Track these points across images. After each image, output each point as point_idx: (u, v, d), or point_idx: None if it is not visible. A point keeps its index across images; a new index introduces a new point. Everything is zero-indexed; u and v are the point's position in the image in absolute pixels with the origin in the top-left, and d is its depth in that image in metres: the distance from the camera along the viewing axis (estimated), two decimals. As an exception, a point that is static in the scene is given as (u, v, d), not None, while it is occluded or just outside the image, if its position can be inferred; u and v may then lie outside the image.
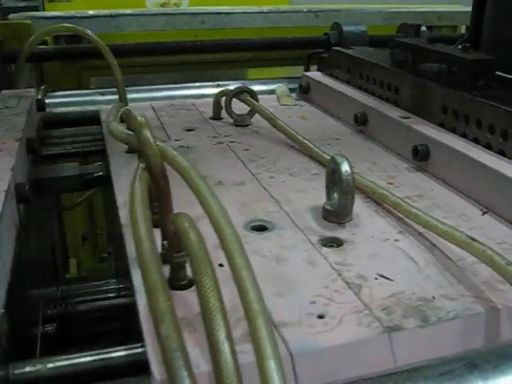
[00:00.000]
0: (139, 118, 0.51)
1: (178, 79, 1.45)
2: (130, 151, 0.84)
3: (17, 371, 0.47)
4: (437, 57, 0.81)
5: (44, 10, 2.42)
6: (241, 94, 0.98)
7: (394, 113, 0.88)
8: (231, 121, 1.00)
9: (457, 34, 1.79)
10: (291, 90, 1.21)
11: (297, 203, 0.67)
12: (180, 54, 1.46)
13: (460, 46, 0.86)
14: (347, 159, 0.61)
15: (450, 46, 0.89)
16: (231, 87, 1.04)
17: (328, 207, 0.63)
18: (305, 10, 1.73)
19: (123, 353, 0.50)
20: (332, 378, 0.42)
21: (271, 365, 0.34)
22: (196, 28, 1.62)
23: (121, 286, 1.19)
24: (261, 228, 0.61)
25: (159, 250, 0.49)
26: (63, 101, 1.22)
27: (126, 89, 1.09)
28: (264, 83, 1.34)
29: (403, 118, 0.86)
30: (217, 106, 1.03)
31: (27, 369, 0.48)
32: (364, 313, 0.47)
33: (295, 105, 1.13)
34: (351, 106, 0.97)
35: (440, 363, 0.40)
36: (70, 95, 1.26)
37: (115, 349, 0.51)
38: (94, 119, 1.13)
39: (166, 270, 0.49)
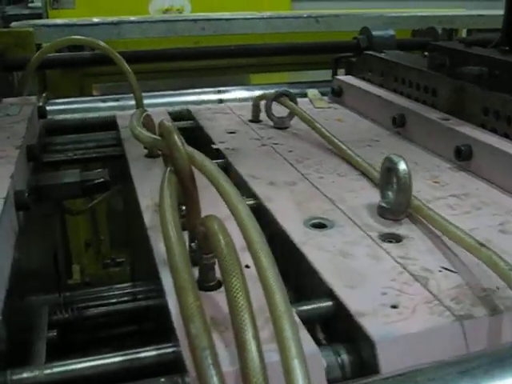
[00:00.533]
0: (167, 124, 0.54)
1: (179, 85, 1.46)
2: (149, 156, 0.86)
3: (14, 377, 0.47)
4: (476, 60, 0.84)
5: (48, 17, 2.45)
6: (281, 97, 1.01)
7: (433, 114, 0.91)
8: (270, 123, 1.03)
9: (482, 37, 1.79)
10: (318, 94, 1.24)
11: (350, 202, 0.70)
12: (197, 59, 1.48)
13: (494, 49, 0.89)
14: (403, 158, 0.64)
15: (485, 48, 0.91)
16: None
17: (384, 205, 0.66)
18: (305, 16, 1.73)
19: (121, 358, 0.50)
20: (410, 363, 0.45)
21: (295, 364, 0.35)
22: (197, 34, 1.64)
23: (135, 289, 1.20)
24: (320, 225, 0.64)
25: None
26: (65, 108, 1.24)
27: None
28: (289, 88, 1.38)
29: (443, 119, 0.88)
30: (256, 110, 1.06)
31: (24, 375, 0.47)
32: (434, 303, 0.49)
33: (329, 107, 1.16)
34: (388, 109, 1.00)
35: (432, 368, 0.41)
36: (71, 102, 1.27)
37: (113, 354, 0.51)
38: (95, 125, 1.15)
39: (195, 271, 0.50)
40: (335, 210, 0.68)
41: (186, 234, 0.52)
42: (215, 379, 0.35)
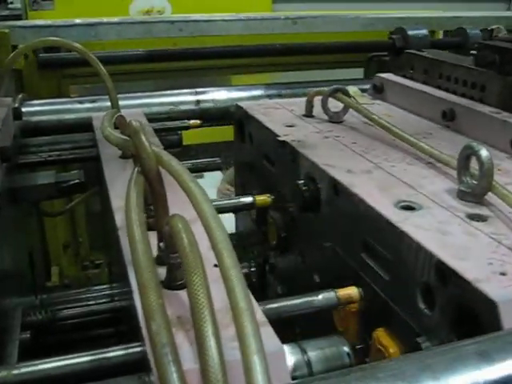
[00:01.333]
0: (134, 124, 0.53)
1: (161, 86, 1.50)
2: (123, 157, 0.87)
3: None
4: (529, 58, 0.91)
5: (27, 19, 2.44)
6: (336, 92, 1.07)
7: (484, 108, 0.98)
8: (323, 118, 1.09)
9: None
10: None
11: (428, 187, 0.76)
12: (176, 60, 1.49)
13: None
14: (484, 146, 0.70)
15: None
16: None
17: (464, 189, 0.72)
18: (282, 17, 1.74)
19: (89, 358, 0.51)
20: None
21: (255, 360, 0.35)
22: (174, 36, 1.63)
23: (112, 291, 1.21)
24: (409, 208, 0.70)
25: (155, 251, 0.53)
26: (41, 109, 1.24)
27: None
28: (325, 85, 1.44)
29: (495, 113, 0.95)
30: (309, 105, 1.11)
31: (-8, 375, 0.47)
32: (537, 271, 0.56)
33: (373, 103, 1.22)
34: (436, 103, 1.07)
35: (393, 364, 0.42)
36: (47, 103, 1.28)
37: (81, 354, 0.51)
38: (72, 127, 1.17)
39: (164, 271, 0.52)
40: (418, 194, 0.74)
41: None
42: (175, 376, 0.35)
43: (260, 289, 1.18)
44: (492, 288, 0.52)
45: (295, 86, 1.54)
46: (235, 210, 1.05)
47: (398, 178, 0.79)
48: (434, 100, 1.08)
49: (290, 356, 0.50)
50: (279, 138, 0.98)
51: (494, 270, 0.56)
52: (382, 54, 1.43)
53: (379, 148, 0.93)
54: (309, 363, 0.51)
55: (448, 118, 1.02)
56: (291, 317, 0.75)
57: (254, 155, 1.13)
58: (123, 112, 1.04)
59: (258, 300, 0.85)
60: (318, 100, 1.12)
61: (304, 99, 1.19)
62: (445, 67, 1.12)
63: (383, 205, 0.70)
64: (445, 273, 0.57)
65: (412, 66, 1.22)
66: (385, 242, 0.68)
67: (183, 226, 0.45)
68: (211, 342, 0.37)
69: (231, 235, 2.03)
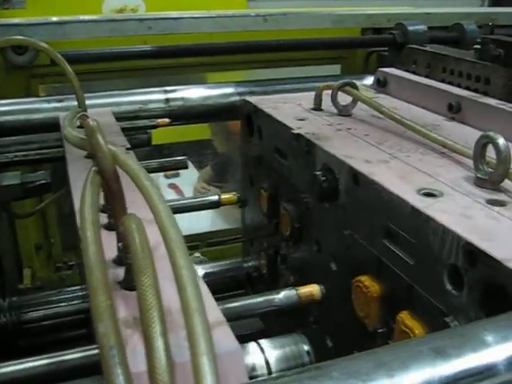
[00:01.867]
0: (91, 123, 0.52)
1: (135, 85, 1.46)
2: (89, 156, 0.85)
3: None
4: (534, 51, 0.95)
5: None
6: (344, 86, 1.10)
7: (490, 100, 1.01)
8: (332, 111, 1.12)
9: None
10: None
11: (446, 175, 0.80)
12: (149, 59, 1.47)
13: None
14: (501, 135, 0.74)
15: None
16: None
17: (481, 176, 0.75)
18: (253, 14, 1.72)
19: (46, 361, 0.51)
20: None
21: (204, 360, 0.34)
22: (144, 34, 1.60)
23: (83, 292, 1.18)
24: (431, 194, 0.73)
25: (116, 252, 0.54)
26: (8, 109, 1.23)
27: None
28: (303, 82, 1.48)
29: (501, 104, 0.99)
30: (319, 99, 1.14)
31: None
32: (561, 250, 0.59)
33: (378, 97, 1.25)
34: (441, 96, 1.10)
35: (348, 362, 0.41)
36: (14, 103, 1.26)
37: (38, 357, 0.51)
38: (39, 127, 1.16)
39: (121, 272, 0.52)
40: (437, 182, 0.77)
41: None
42: (121, 378, 0.35)
43: (270, 280, 1.21)
44: (522, 266, 0.56)
45: (266, 84, 1.54)
46: (202, 208, 1.06)
47: (416, 167, 0.82)
48: (439, 93, 1.11)
49: (249, 356, 0.50)
50: (293, 131, 1.00)
51: (521, 250, 0.59)
52: (382, 50, 1.46)
53: (392, 139, 0.96)
54: (268, 362, 0.51)
55: (454, 110, 1.06)
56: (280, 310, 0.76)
57: (264, 149, 1.16)
58: (91, 111, 1.05)
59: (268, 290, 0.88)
60: (325, 94, 1.15)
61: (309, 94, 1.22)
62: (448, 61, 1.15)
63: (406, 192, 0.73)
64: (474, 254, 0.60)
65: (415, 61, 1.26)
66: (409, 228, 0.71)
67: (136, 225, 0.45)
68: (159, 343, 0.36)
69: (237, 229, 2.06)
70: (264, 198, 1.16)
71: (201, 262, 1.43)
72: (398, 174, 0.80)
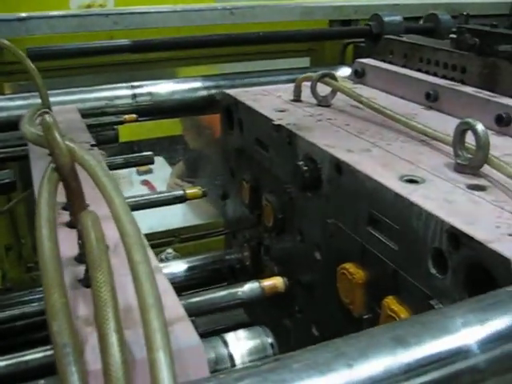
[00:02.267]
0: (47, 119, 0.51)
1: (105, 81, 1.43)
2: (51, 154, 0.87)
3: None
4: (508, 39, 0.97)
5: None
6: (324, 77, 1.10)
7: (467, 88, 1.03)
8: (311, 102, 1.13)
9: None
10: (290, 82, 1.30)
11: (426, 162, 0.81)
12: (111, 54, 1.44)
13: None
14: (479, 121, 0.75)
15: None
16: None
17: (461, 162, 0.77)
18: (219, 8, 1.71)
19: (5, 363, 0.50)
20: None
21: (160, 355, 0.34)
22: (109, 29, 1.58)
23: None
24: (413, 181, 0.75)
25: (77, 249, 0.53)
26: None
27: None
28: (273, 75, 1.49)
29: (477, 92, 1.00)
30: (298, 90, 1.15)
31: None
32: (540, 231, 0.61)
33: (356, 88, 1.26)
34: (419, 86, 1.12)
35: (308, 353, 0.41)
36: None
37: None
38: (3, 125, 1.14)
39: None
40: (418, 169, 0.79)
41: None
42: (75, 377, 0.35)
43: (254, 272, 1.21)
44: (504, 247, 0.57)
45: (233, 77, 1.54)
46: (167, 203, 1.07)
47: (397, 155, 0.84)
48: (416, 82, 1.13)
49: (211, 350, 0.50)
50: (274, 122, 1.01)
51: (502, 232, 0.60)
52: (359, 41, 1.48)
53: (372, 128, 0.97)
54: (231, 356, 0.51)
55: (432, 98, 1.07)
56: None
57: (245, 141, 1.16)
58: (55, 108, 1.03)
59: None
60: (303, 86, 1.16)
61: (288, 86, 1.23)
62: (425, 51, 1.17)
63: (388, 179, 0.74)
64: (457, 237, 0.62)
65: (391, 51, 1.27)
66: (393, 214, 0.72)
67: (92, 222, 0.45)
68: (113, 340, 0.36)
69: (211, 223, 2.04)
70: (246, 189, 1.17)
71: (173, 258, 1.43)
72: (380, 162, 0.81)
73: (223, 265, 1.33)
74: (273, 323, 1.05)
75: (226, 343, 0.51)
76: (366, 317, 0.81)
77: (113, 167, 1.05)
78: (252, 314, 1.19)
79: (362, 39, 1.51)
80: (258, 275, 1.19)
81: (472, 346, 0.42)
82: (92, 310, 0.42)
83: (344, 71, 1.53)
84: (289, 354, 0.41)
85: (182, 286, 1.18)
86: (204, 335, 0.55)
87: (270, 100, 1.17)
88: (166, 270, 1.18)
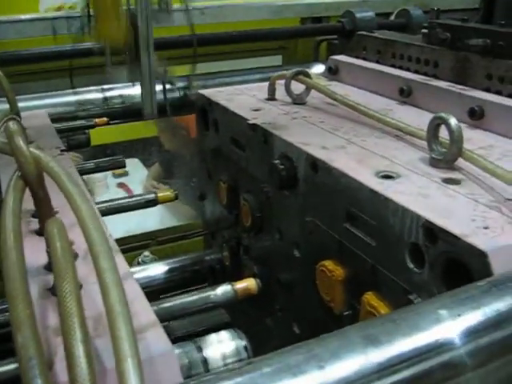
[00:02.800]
0: (11, 126, 0.51)
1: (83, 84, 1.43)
2: None
3: None
4: (479, 33, 0.98)
5: None
6: (298, 75, 1.10)
7: (439, 83, 1.04)
8: (286, 101, 1.13)
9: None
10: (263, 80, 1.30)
11: (401, 157, 0.81)
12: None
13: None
14: (452, 115, 0.76)
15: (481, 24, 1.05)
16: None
17: (436, 156, 0.77)
18: (190, 8, 1.66)
19: None
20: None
21: (128, 365, 0.33)
22: (76, 32, 1.53)
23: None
24: (388, 177, 0.75)
25: (46, 258, 0.52)
26: None
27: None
28: (245, 74, 1.48)
29: (450, 86, 1.01)
30: (272, 89, 1.15)
31: None
32: (514, 223, 0.61)
33: (330, 85, 1.27)
34: (392, 81, 1.12)
35: (279, 356, 0.41)
36: None
37: None
38: None
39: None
40: (393, 164, 0.79)
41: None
42: None
43: (234, 272, 1.21)
44: (479, 240, 0.58)
45: (205, 78, 1.54)
46: (138, 207, 1.06)
47: (372, 151, 0.84)
48: (390, 78, 1.13)
49: (184, 355, 0.50)
50: (250, 122, 1.00)
51: (477, 226, 0.61)
52: (332, 38, 1.48)
53: (347, 125, 0.97)
54: (205, 361, 0.51)
55: (405, 94, 1.08)
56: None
57: (221, 141, 1.15)
58: (24, 114, 1.01)
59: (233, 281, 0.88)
60: (278, 84, 1.15)
61: (262, 84, 1.23)
62: (398, 46, 1.17)
63: (364, 176, 0.75)
64: (433, 231, 0.62)
65: (364, 47, 1.28)
66: (369, 211, 0.72)
67: (58, 230, 0.45)
68: (80, 351, 0.35)
69: (187, 225, 2.03)
70: (223, 190, 1.16)
71: (151, 261, 1.42)
72: (356, 158, 0.81)
73: (203, 266, 1.32)
74: (254, 322, 1.05)
75: (199, 348, 0.50)
76: (346, 313, 0.81)
77: (84, 172, 1.04)
78: (232, 313, 1.18)
79: (335, 36, 1.51)
80: (238, 275, 1.19)
81: (443, 342, 0.42)
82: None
83: (318, 68, 1.54)
84: (261, 358, 0.41)
85: (161, 289, 1.17)
86: (183, 338, 0.55)
87: (244, 99, 1.16)
88: (143, 274, 1.16)
